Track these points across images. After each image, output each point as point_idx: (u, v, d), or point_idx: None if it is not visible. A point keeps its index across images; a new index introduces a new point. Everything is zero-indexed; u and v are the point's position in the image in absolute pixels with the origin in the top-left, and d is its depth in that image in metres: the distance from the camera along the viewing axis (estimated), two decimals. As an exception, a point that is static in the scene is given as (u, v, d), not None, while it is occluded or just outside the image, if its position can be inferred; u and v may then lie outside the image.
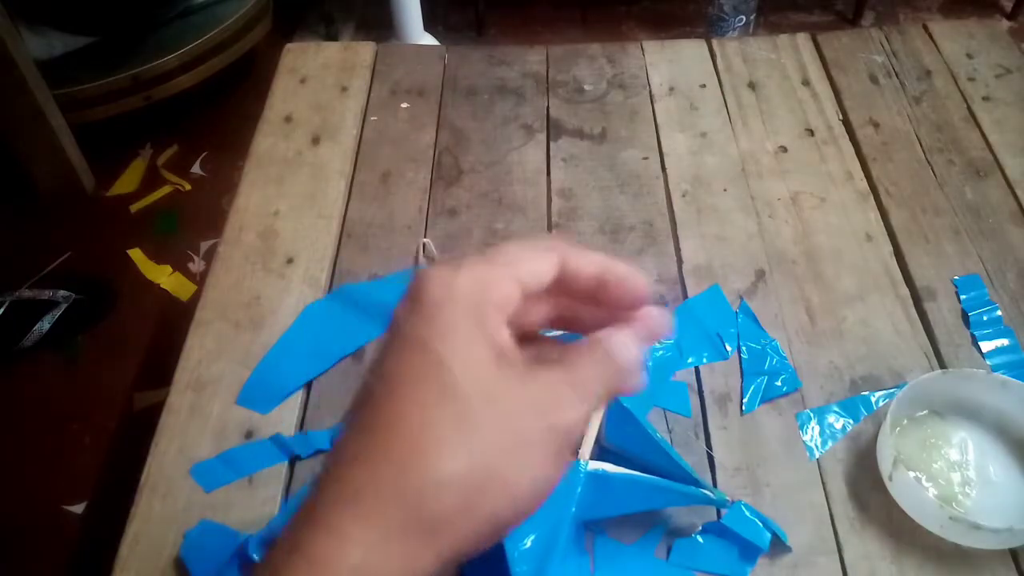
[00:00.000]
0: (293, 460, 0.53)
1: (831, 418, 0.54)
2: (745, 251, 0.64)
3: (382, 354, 0.26)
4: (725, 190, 0.69)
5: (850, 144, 0.73)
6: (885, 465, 0.50)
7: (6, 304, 1.33)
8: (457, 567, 0.43)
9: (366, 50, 0.83)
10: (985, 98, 0.76)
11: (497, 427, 0.24)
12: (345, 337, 0.59)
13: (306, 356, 0.58)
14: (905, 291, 0.61)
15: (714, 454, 0.52)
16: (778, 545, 0.48)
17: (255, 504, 0.50)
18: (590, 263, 0.29)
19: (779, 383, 0.56)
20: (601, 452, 0.50)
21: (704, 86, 0.78)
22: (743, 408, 0.55)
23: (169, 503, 0.50)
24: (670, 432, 0.54)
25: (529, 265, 0.28)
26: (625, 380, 0.28)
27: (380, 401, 0.25)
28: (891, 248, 0.64)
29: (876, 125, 0.74)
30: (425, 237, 0.66)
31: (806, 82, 0.78)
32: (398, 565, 0.23)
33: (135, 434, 1.23)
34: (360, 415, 0.25)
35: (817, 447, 0.53)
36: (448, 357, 0.24)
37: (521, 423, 0.25)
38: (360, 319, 0.60)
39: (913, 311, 0.60)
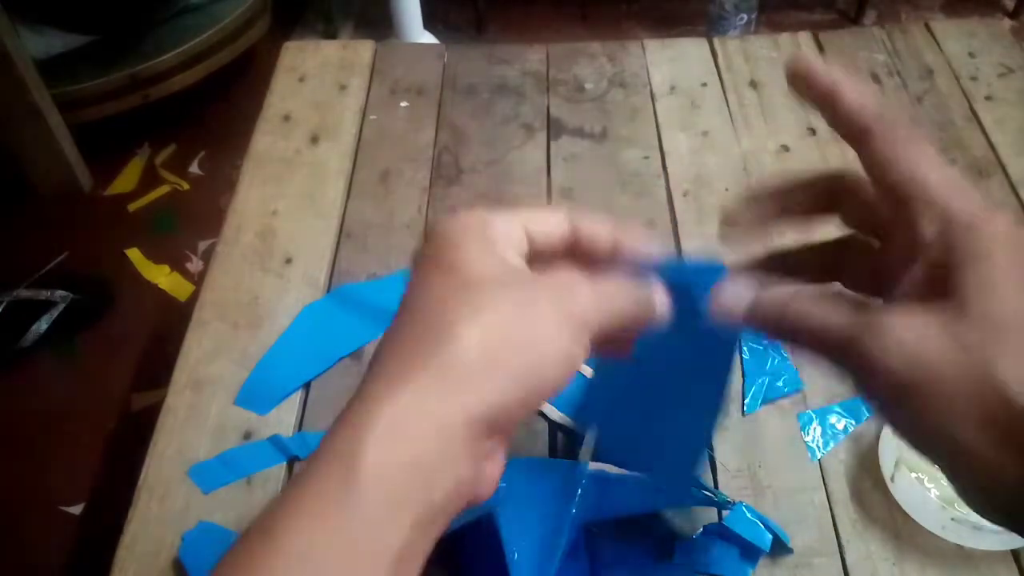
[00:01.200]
0: (292, 461, 0.53)
1: (833, 419, 0.54)
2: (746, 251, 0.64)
3: (406, 290, 0.28)
4: (727, 190, 0.68)
5: (851, 143, 0.72)
6: (887, 466, 0.49)
7: (3, 304, 1.32)
8: (456, 569, 0.43)
9: (365, 49, 0.82)
10: (987, 97, 0.76)
11: (511, 307, 0.26)
12: (344, 337, 0.59)
13: (305, 356, 0.58)
14: (907, 291, 0.61)
15: (715, 455, 0.52)
16: (779, 546, 0.48)
17: (253, 505, 0.50)
18: (603, 227, 0.30)
19: (780, 383, 0.55)
20: (602, 454, 0.49)
21: (705, 85, 0.78)
22: (744, 409, 0.54)
23: (167, 504, 0.50)
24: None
25: (536, 215, 0.29)
26: (644, 308, 0.29)
27: (404, 311, 0.27)
28: (893, 248, 0.64)
29: (877, 124, 0.74)
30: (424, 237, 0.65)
31: (807, 81, 0.78)
32: (430, 420, 0.24)
33: (133, 435, 1.22)
34: (388, 332, 0.27)
35: (819, 448, 0.53)
36: (460, 260, 0.27)
37: (535, 307, 0.26)
38: (359, 319, 0.60)
39: (915, 311, 0.59)
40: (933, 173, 0.26)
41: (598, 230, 0.30)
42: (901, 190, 0.27)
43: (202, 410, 0.55)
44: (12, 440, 1.24)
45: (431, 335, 0.25)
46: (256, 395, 0.56)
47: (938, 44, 0.82)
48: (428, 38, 1.81)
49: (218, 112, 1.73)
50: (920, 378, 0.24)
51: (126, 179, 1.63)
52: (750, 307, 0.29)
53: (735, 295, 0.30)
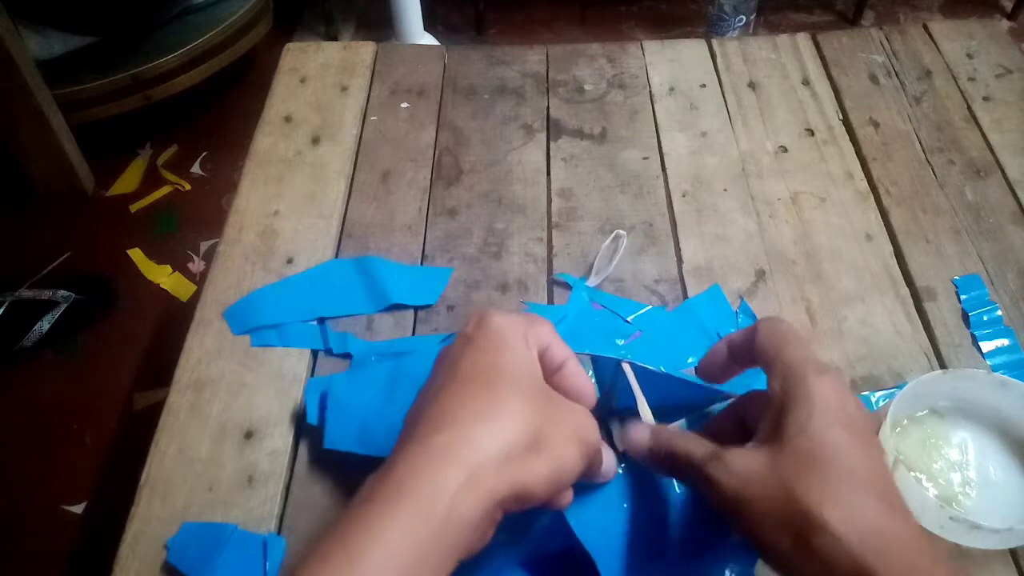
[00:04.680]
0: (307, 387, 0.53)
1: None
2: (745, 251, 0.64)
3: (446, 366, 0.35)
4: (725, 190, 0.69)
5: (850, 144, 0.73)
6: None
7: (6, 304, 1.33)
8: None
9: (366, 50, 0.83)
10: (985, 98, 0.76)
11: (544, 421, 0.33)
12: (346, 301, 0.61)
13: (303, 301, 0.60)
14: (905, 291, 0.61)
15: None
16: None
17: (255, 504, 0.50)
18: (568, 371, 0.38)
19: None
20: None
21: (704, 86, 0.78)
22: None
23: (169, 503, 0.50)
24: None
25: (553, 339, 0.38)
26: (597, 466, 0.39)
27: (458, 376, 0.34)
28: (891, 248, 0.64)
29: (876, 125, 0.74)
30: (424, 237, 0.66)
31: (806, 82, 0.78)
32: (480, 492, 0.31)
33: (135, 434, 1.23)
34: (435, 397, 0.34)
35: (817, 447, 0.53)
36: (503, 362, 0.34)
37: (558, 427, 0.34)
38: (367, 291, 0.61)
39: (913, 311, 0.60)
40: (790, 348, 0.35)
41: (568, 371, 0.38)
42: (768, 362, 0.36)
43: (204, 409, 0.55)
44: (14, 439, 1.24)
45: (474, 425, 0.32)
46: (240, 315, 0.60)
47: (936, 45, 0.82)
48: (428, 40, 1.82)
49: (219, 113, 1.74)
50: (746, 496, 0.33)
51: (128, 180, 1.64)
52: (648, 442, 0.39)
53: (638, 434, 0.40)
